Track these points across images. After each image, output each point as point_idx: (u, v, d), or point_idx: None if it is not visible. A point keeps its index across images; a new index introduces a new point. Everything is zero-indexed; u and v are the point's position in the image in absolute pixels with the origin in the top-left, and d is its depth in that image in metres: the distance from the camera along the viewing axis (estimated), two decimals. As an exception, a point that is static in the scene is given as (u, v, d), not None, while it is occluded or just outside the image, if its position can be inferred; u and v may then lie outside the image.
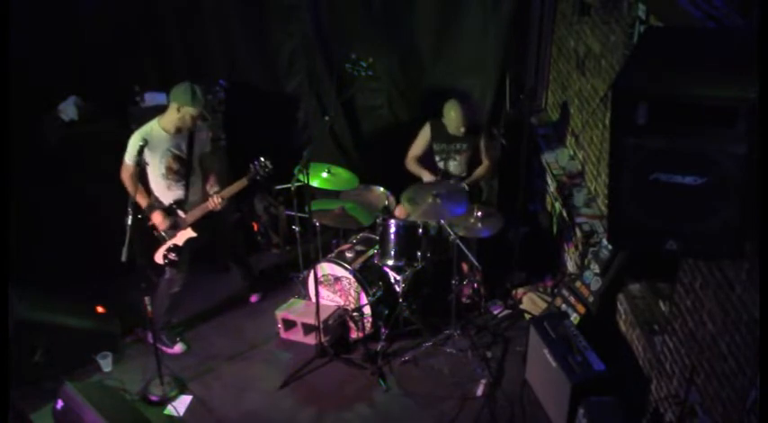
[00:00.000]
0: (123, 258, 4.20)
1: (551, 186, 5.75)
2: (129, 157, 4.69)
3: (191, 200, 4.91)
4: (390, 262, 5.10)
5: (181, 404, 4.76)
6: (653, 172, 2.60)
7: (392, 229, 5.07)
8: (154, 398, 4.77)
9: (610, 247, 4.66)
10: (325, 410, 4.72)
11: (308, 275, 5.31)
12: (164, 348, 5.11)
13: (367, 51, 5.52)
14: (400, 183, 5.58)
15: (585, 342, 4.36)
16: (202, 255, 5.16)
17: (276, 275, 5.93)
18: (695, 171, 2.54)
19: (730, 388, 3.17)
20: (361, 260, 5.22)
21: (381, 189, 5.64)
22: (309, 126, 6.34)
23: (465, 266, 5.50)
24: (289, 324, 5.32)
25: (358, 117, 6.35)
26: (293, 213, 5.54)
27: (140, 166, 4.71)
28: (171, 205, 4.87)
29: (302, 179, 4.69)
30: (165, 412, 4.71)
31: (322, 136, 5.89)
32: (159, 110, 4.84)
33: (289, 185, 5.22)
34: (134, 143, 4.66)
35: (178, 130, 4.74)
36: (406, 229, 5.09)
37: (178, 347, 5.21)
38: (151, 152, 4.69)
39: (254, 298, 5.73)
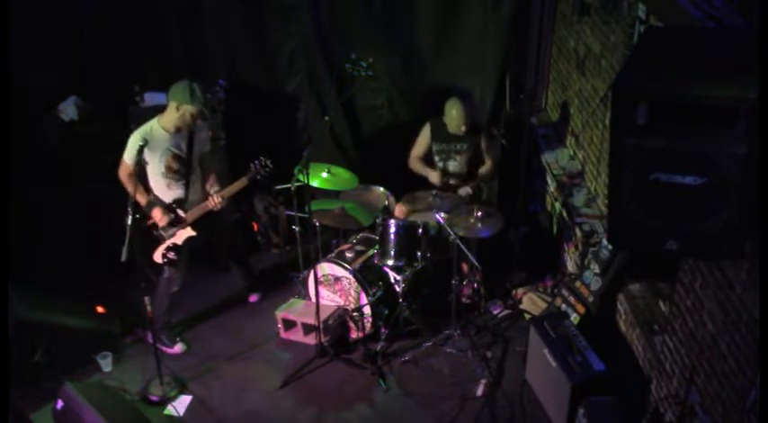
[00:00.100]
0: (123, 258, 4.20)
1: (551, 186, 5.75)
2: (129, 157, 4.69)
3: (191, 199, 4.91)
4: (390, 262, 5.09)
5: (181, 404, 4.76)
6: (653, 172, 2.59)
7: (392, 229, 5.07)
8: (154, 398, 4.77)
9: (610, 247, 4.66)
10: (325, 410, 4.72)
11: (308, 275, 5.30)
12: (163, 348, 5.11)
13: (367, 51, 5.52)
14: (400, 183, 5.60)
15: (585, 342, 4.36)
16: (202, 254, 5.17)
17: (276, 275, 5.93)
18: (695, 171, 2.54)
19: (730, 388, 3.17)
20: (361, 260, 5.22)
21: (381, 189, 5.64)
22: (309, 126, 6.35)
23: (465, 266, 5.50)
24: (289, 324, 5.32)
25: (358, 117, 6.35)
26: (293, 213, 5.54)
27: (140, 166, 4.72)
28: (171, 204, 4.87)
29: (302, 179, 4.68)
30: (165, 412, 4.71)
31: (322, 136, 5.90)
32: (159, 110, 4.84)
33: (289, 185, 5.22)
34: (133, 142, 4.66)
35: (178, 130, 4.74)
36: (406, 229, 5.09)
37: (178, 347, 5.21)
38: (151, 151, 4.70)
39: (253, 298, 5.73)
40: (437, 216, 5.07)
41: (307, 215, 4.84)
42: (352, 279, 5.11)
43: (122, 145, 4.72)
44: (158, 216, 4.81)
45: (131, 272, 4.43)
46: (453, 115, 5.39)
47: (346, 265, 5.11)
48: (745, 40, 2.73)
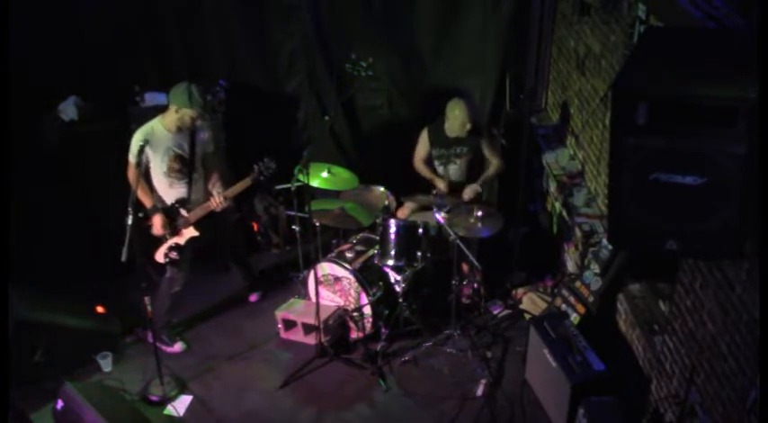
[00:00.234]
0: (123, 258, 4.20)
1: (551, 186, 5.75)
2: (132, 156, 4.71)
3: (193, 198, 4.91)
4: (390, 262, 5.09)
5: (181, 404, 4.76)
6: (653, 172, 2.59)
7: (392, 229, 5.07)
8: (154, 398, 4.77)
9: (610, 247, 4.66)
10: (325, 410, 4.72)
11: (308, 275, 5.31)
12: (164, 347, 5.11)
13: (367, 51, 5.52)
14: (400, 183, 5.59)
15: (585, 342, 4.36)
16: (203, 254, 5.17)
17: (276, 275, 5.93)
18: (695, 171, 2.54)
19: (730, 388, 3.17)
20: (361, 260, 5.22)
21: (381, 189, 5.63)
22: (309, 126, 6.34)
23: (465, 266, 5.50)
24: (289, 324, 5.32)
25: (358, 117, 6.35)
26: (293, 213, 5.54)
27: (142, 165, 4.72)
28: (173, 204, 4.87)
29: (302, 179, 4.69)
30: (165, 412, 4.71)
31: (322, 136, 5.90)
32: (159, 110, 4.85)
33: (289, 185, 5.22)
34: (135, 142, 4.68)
35: (179, 129, 4.75)
36: (406, 229, 5.09)
37: (178, 346, 5.21)
38: (153, 151, 4.71)
39: (253, 298, 5.73)
40: (437, 216, 5.07)
41: (307, 215, 4.84)
42: (353, 279, 5.11)
43: (122, 145, 4.73)
44: (158, 224, 4.81)
45: (131, 272, 4.42)
46: (456, 114, 5.35)
47: (346, 265, 5.11)
48: (745, 40, 2.73)
